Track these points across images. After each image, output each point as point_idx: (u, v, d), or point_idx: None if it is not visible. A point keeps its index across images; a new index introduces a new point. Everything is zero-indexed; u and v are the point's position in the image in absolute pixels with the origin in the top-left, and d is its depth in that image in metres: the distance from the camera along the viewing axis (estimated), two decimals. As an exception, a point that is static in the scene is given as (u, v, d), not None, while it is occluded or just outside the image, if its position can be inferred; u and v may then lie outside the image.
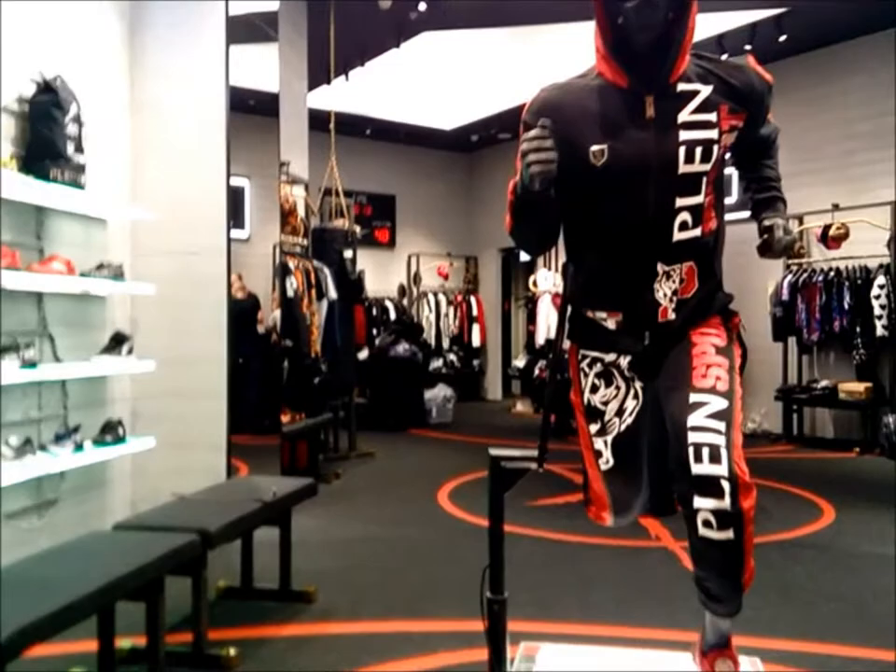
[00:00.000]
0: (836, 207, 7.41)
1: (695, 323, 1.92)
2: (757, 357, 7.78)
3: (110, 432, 3.69)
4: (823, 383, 7.47)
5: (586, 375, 2.04)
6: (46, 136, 3.41)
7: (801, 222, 7.68)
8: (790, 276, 7.65)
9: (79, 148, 3.52)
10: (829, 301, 7.33)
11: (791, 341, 7.73)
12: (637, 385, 1.98)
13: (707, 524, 1.68)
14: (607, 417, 2.01)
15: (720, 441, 1.67)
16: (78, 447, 3.47)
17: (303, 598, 3.24)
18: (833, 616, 3.15)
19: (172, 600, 2.45)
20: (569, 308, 2.05)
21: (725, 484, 1.65)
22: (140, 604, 2.34)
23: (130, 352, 3.83)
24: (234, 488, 3.45)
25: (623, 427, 1.99)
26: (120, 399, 4.08)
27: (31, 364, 3.20)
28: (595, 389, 2.02)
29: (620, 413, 1.99)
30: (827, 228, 7.45)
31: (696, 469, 1.66)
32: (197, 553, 2.53)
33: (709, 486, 1.65)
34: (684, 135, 1.81)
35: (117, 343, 3.79)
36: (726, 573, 1.75)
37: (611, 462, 2.01)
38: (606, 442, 2.01)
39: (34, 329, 3.48)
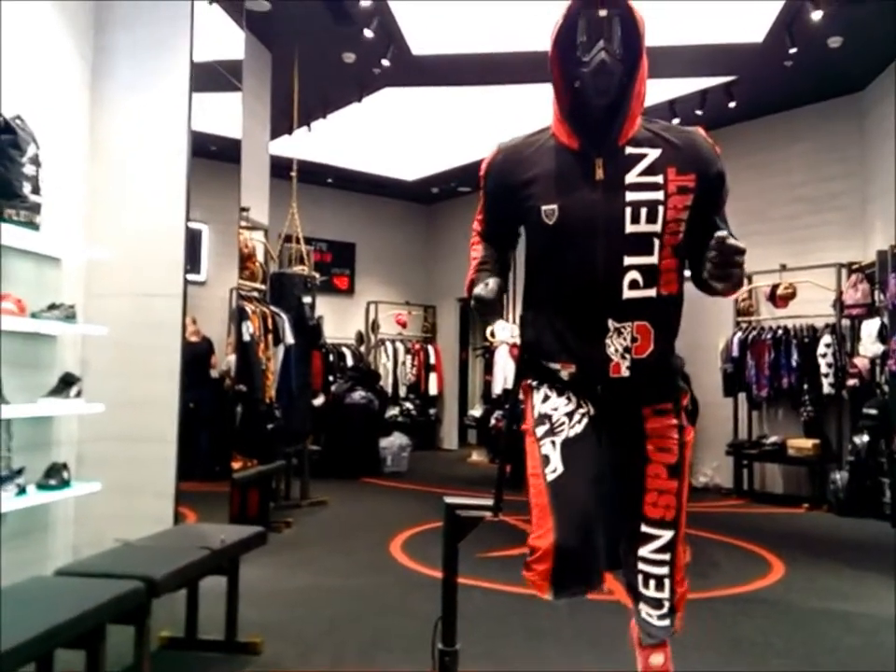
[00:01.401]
0: (784, 268, 7.65)
1: (650, 392, 1.97)
2: (709, 411, 7.91)
3: (55, 476, 3.59)
4: (773, 438, 7.60)
5: (538, 390, 2.03)
6: (2, 176, 3.37)
7: (750, 281, 7.90)
8: (739, 333, 7.84)
9: (36, 189, 3.49)
10: (777, 358, 7.50)
11: (742, 396, 7.88)
12: (590, 406, 1.97)
13: (648, 613, 2.03)
14: (556, 418, 1.97)
15: (664, 571, 1.99)
16: (21, 490, 3.37)
17: (249, 649, 3.15)
18: (783, 671, 3.17)
19: (113, 649, 2.37)
20: (526, 355, 2.08)
21: (666, 603, 2.01)
22: (80, 652, 2.26)
23: (78, 394, 3.75)
24: (181, 535, 3.37)
25: (572, 431, 1.95)
26: (66, 442, 3.98)
27: (-25, 404, 3.12)
28: (545, 399, 2.01)
29: (570, 416, 1.97)
30: (775, 287, 7.68)
31: (644, 591, 2.01)
32: (141, 602, 2.46)
33: (654, 602, 2.01)
34: (630, 196, 1.88)
35: (65, 384, 3.71)
36: (664, 630, 2.05)
37: (559, 470, 1.89)
38: (554, 444, 1.94)
39: (-20, 368, 3.40)
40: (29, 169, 3.45)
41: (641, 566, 1.99)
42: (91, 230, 4.22)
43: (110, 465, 3.98)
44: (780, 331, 7.57)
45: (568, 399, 1.99)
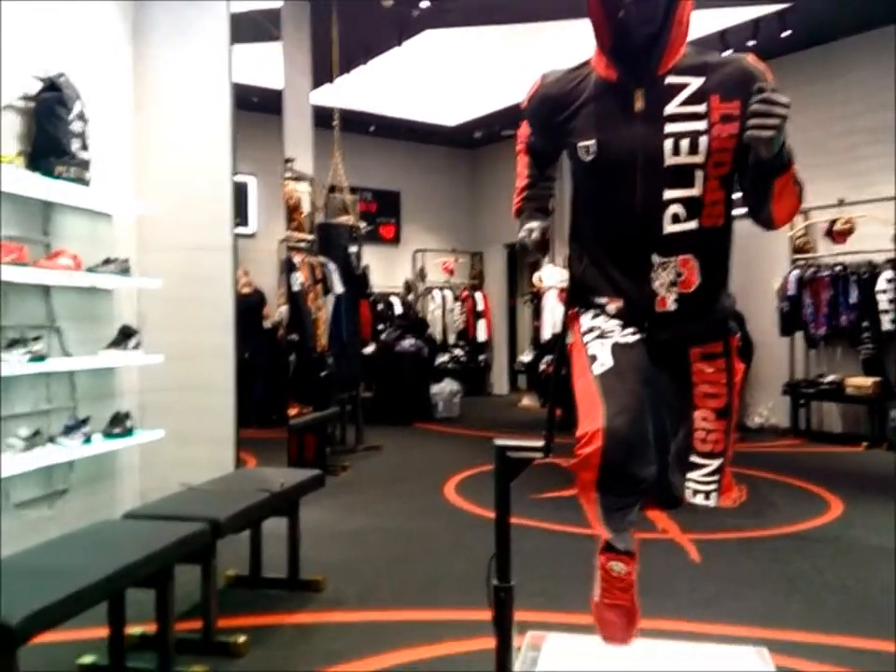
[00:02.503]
0: (841, 202, 7.39)
1: (698, 338, 1.93)
2: (764, 351, 7.77)
3: (119, 424, 3.72)
4: (830, 377, 7.45)
5: (586, 312, 1.99)
6: (51, 133, 3.43)
7: (806, 217, 7.67)
8: (796, 271, 7.64)
9: (84, 145, 3.55)
10: (835, 295, 7.31)
11: (798, 335, 7.72)
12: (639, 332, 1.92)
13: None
14: (605, 327, 1.92)
15: (713, 487, 2.03)
16: (87, 439, 3.50)
17: (311, 587, 3.26)
18: (839, 608, 3.16)
19: (181, 588, 2.47)
20: (573, 295, 2.07)
21: (713, 507, 2.05)
22: (150, 592, 2.36)
23: (137, 346, 3.85)
24: (243, 479, 3.48)
25: (622, 339, 1.89)
26: (129, 392, 4.11)
27: (39, 357, 3.23)
28: (595, 317, 1.96)
29: (622, 328, 1.91)
30: (833, 223, 7.44)
31: (692, 499, 2.03)
32: (206, 542, 2.55)
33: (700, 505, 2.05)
34: (670, 128, 1.81)
35: (124, 336, 3.81)
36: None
37: (608, 364, 1.83)
38: (603, 345, 1.88)
39: (42, 322, 3.51)
40: (76, 126, 3.50)
41: (691, 484, 2.04)
42: (139, 184, 4.29)
43: (172, 413, 4.11)
44: (838, 268, 7.35)
45: (619, 321, 1.95)
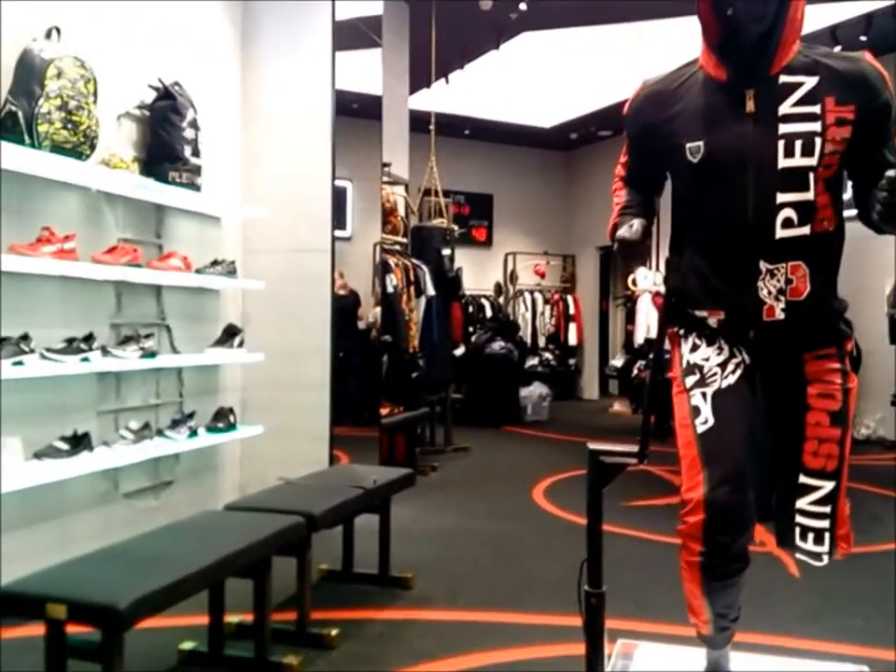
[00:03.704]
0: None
1: (809, 344, 1.86)
2: (872, 360, 7.41)
3: (222, 419, 3.88)
4: (944, 388, 7.06)
5: (686, 339, 1.96)
6: (165, 140, 3.61)
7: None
8: (908, 276, 7.26)
9: (196, 152, 3.71)
10: (951, 301, 6.92)
11: (910, 344, 7.34)
12: (744, 355, 1.90)
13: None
14: (707, 369, 1.90)
15: (825, 524, 1.86)
16: (193, 433, 3.67)
17: (401, 584, 3.32)
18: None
19: (277, 580, 2.55)
20: (671, 300, 2.03)
21: (825, 557, 1.90)
22: (247, 582, 2.45)
23: (241, 344, 4.01)
24: (337, 475, 3.57)
25: (724, 383, 1.88)
26: (231, 389, 4.28)
27: (150, 354, 3.41)
28: (695, 348, 1.94)
29: (722, 366, 1.90)
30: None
31: (801, 544, 1.89)
32: (302, 535, 2.63)
33: (810, 556, 1.91)
34: (784, 128, 1.76)
35: (229, 335, 3.97)
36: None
37: (710, 422, 1.85)
38: (705, 396, 1.88)
39: (153, 320, 3.70)
40: (189, 133, 3.68)
41: (800, 518, 1.88)
42: (246, 189, 4.46)
43: (271, 410, 4.26)
44: (955, 273, 6.96)
45: (720, 348, 1.91)
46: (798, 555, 1.91)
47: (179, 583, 2.05)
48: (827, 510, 1.86)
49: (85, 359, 3.05)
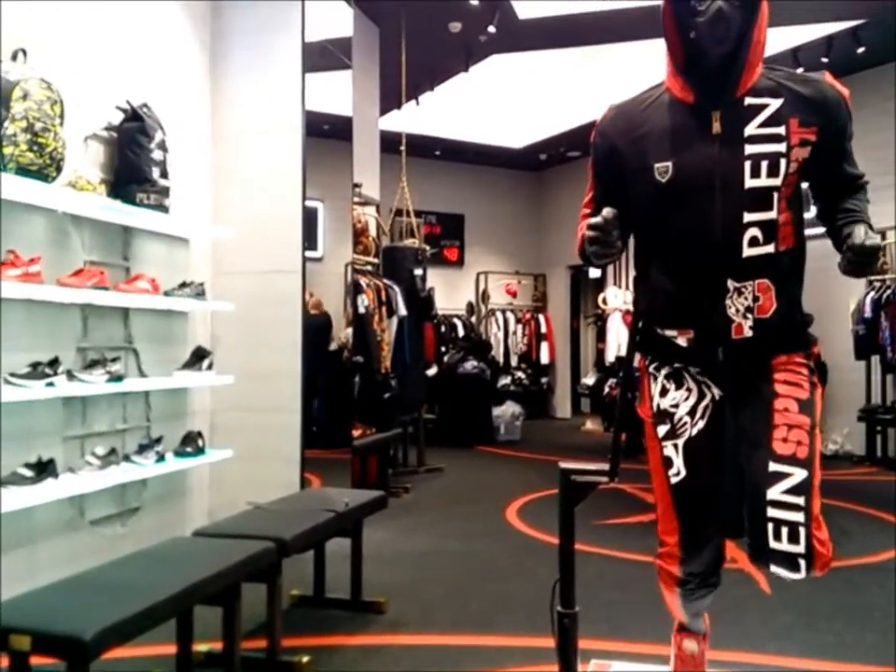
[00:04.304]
0: (920, 221, 7.14)
1: (776, 349, 1.88)
2: (839, 376, 7.53)
3: (191, 444, 3.83)
4: (908, 403, 7.18)
5: (655, 379, 2.01)
6: (132, 162, 3.58)
7: (884, 237, 7.43)
8: (872, 293, 7.40)
9: (164, 173, 3.69)
10: (913, 318, 7.05)
11: (875, 359, 7.46)
12: (713, 389, 1.94)
13: (780, 569, 1.77)
14: (676, 418, 1.96)
15: (799, 518, 1.73)
16: (161, 457, 3.61)
17: (374, 609, 3.28)
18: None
19: (247, 607, 2.51)
20: (640, 323, 2.05)
21: (802, 561, 1.73)
22: (216, 609, 2.41)
23: (210, 367, 3.96)
24: (308, 499, 3.53)
25: (694, 430, 1.94)
26: (200, 412, 4.23)
27: (117, 378, 3.36)
28: (664, 392, 1.98)
29: (691, 413, 1.94)
30: (911, 242, 7.19)
31: (774, 544, 1.75)
32: (272, 561, 2.60)
33: (786, 561, 1.75)
34: (750, 149, 1.80)
35: (198, 358, 3.93)
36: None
37: (682, 473, 1.94)
38: (676, 447, 1.95)
39: (120, 344, 3.65)
40: (157, 154, 3.65)
41: (772, 511, 1.75)
42: (215, 211, 4.43)
43: (241, 433, 4.21)
44: (917, 290, 7.10)
45: (688, 389, 1.95)
46: (774, 568, 1.76)
47: (147, 612, 2.01)
48: (800, 501, 1.74)
49: (50, 384, 2.99)
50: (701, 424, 1.94)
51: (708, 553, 1.96)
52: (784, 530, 1.73)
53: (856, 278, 1.84)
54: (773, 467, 1.78)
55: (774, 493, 1.76)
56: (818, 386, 1.90)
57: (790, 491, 1.75)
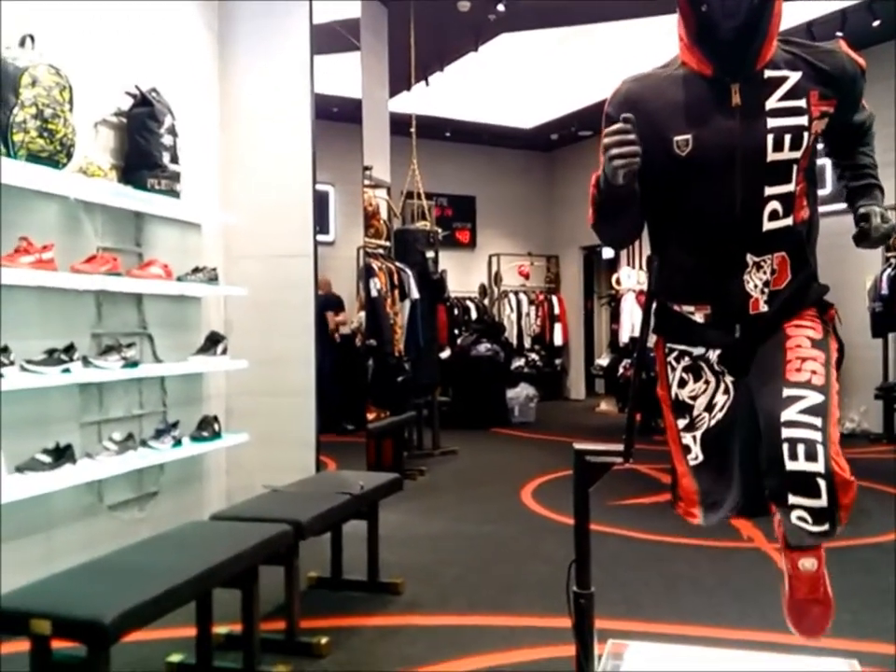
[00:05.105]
0: (938, 196, 7.04)
1: (789, 315, 1.86)
2: (855, 353, 7.45)
3: (207, 428, 3.85)
4: (926, 380, 7.12)
5: (673, 370, 2.00)
6: (143, 147, 3.58)
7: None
8: (889, 270, 7.32)
9: (174, 158, 3.68)
10: (931, 294, 6.98)
11: (892, 337, 7.41)
12: (728, 379, 1.93)
13: (802, 519, 1.62)
14: (696, 412, 1.96)
15: (816, 436, 1.60)
16: (177, 442, 3.63)
17: (391, 590, 3.30)
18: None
19: (265, 589, 2.53)
20: (655, 302, 2.03)
21: (822, 482, 1.58)
22: (235, 592, 2.43)
23: (224, 351, 3.98)
24: (324, 482, 3.55)
25: (712, 422, 1.93)
26: (216, 397, 4.25)
27: (133, 363, 3.37)
28: (682, 384, 1.98)
29: (710, 408, 1.94)
30: (929, 218, 7.10)
31: (791, 465, 1.60)
32: (289, 543, 2.61)
33: (805, 484, 1.59)
34: (772, 123, 1.78)
35: (212, 343, 3.94)
36: (820, 528, 1.64)
37: (700, 458, 1.94)
38: (695, 438, 1.95)
39: (135, 329, 3.66)
40: (167, 139, 3.64)
41: (786, 431, 1.62)
42: (226, 195, 4.43)
43: (256, 417, 4.23)
44: (935, 266, 7.01)
45: (707, 382, 1.94)
46: (793, 499, 1.59)
47: (165, 595, 2.03)
48: (817, 421, 1.62)
49: (66, 370, 3.01)
50: (720, 416, 1.92)
51: (728, 505, 1.91)
52: (800, 448, 1.59)
53: (869, 249, 1.88)
54: (787, 392, 1.68)
55: (788, 414, 1.64)
56: (833, 337, 1.86)
57: (805, 411, 1.64)
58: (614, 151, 1.70)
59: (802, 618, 1.77)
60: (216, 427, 3.90)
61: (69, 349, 3.06)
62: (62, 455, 3.01)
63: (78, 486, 3.20)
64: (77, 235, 3.35)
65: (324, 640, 2.72)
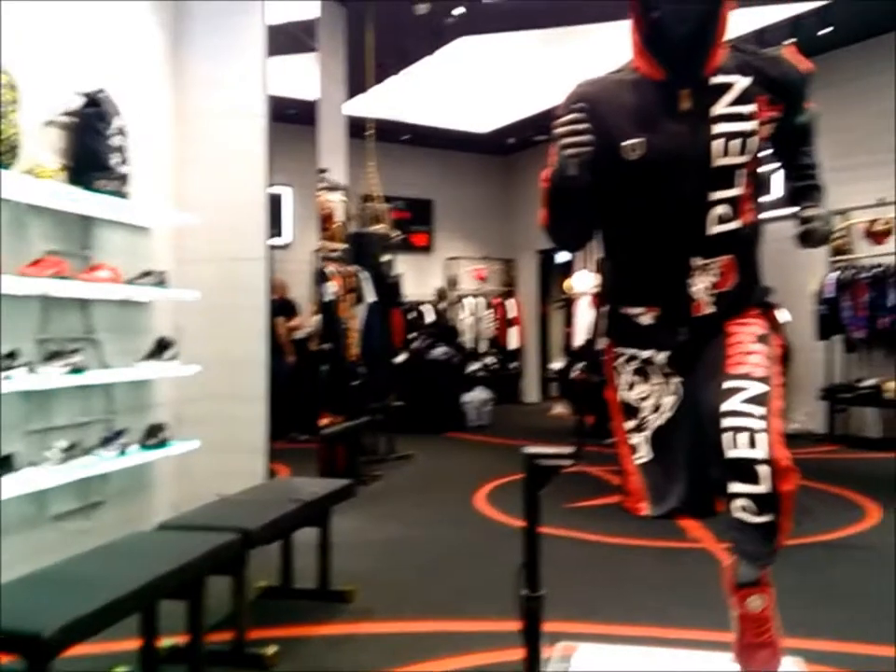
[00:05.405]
0: (881, 202, 7.26)
1: (733, 315, 1.91)
2: (801, 356, 7.65)
3: (155, 435, 3.78)
4: (868, 381, 7.31)
5: (621, 373, 2.04)
6: (91, 148, 3.51)
7: (846, 217, 7.54)
8: (834, 273, 7.51)
9: (124, 160, 3.62)
10: (876, 297, 7.17)
11: (836, 339, 7.59)
12: (675, 380, 1.97)
13: (743, 508, 1.65)
14: (643, 414, 2.00)
15: (756, 425, 1.63)
16: (123, 451, 3.56)
17: (342, 598, 3.28)
18: (876, 617, 3.09)
19: (213, 599, 2.49)
20: (605, 305, 2.06)
21: (762, 468, 1.61)
22: (181, 603, 2.39)
23: (174, 357, 3.92)
24: (274, 489, 3.51)
25: (659, 422, 1.97)
26: (165, 403, 4.18)
27: (78, 369, 3.30)
28: (631, 386, 2.01)
29: (657, 409, 1.98)
30: (872, 223, 7.31)
31: (731, 453, 1.63)
32: (238, 553, 2.58)
33: (745, 471, 1.62)
34: (719, 128, 1.82)
35: (161, 348, 3.88)
36: (762, 542, 1.69)
37: (648, 457, 1.99)
38: (644, 438, 2.00)
39: (81, 335, 3.58)
40: (116, 140, 3.58)
41: (726, 421, 1.64)
42: (177, 197, 4.36)
43: (207, 424, 4.16)
44: (878, 269, 7.21)
45: (654, 384, 1.98)
46: (734, 487, 1.60)
47: (109, 608, 1.99)
48: (758, 410, 1.63)
49: (9, 377, 2.94)
50: (667, 415, 1.96)
51: (675, 499, 1.95)
52: (741, 436, 1.61)
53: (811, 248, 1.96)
54: (728, 384, 1.71)
55: (730, 405, 1.66)
56: (776, 335, 1.89)
57: (746, 401, 1.66)
58: (567, 140, 1.74)
59: (750, 660, 1.79)
60: (164, 434, 3.84)
61: (12, 355, 2.98)
62: (4, 464, 2.93)
63: (22, 496, 3.11)
64: (23, 238, 3.27)
65: (272, 650, 2.69)
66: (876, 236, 7.30)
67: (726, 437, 1.64)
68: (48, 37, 3.45)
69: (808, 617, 3.05)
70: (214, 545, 2.46)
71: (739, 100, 1.82)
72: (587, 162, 1.77)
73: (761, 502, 1.62)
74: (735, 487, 1.63)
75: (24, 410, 3.25)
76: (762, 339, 1.84)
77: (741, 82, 1.83)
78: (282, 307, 7.39)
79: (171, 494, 4.23)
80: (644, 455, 1.99)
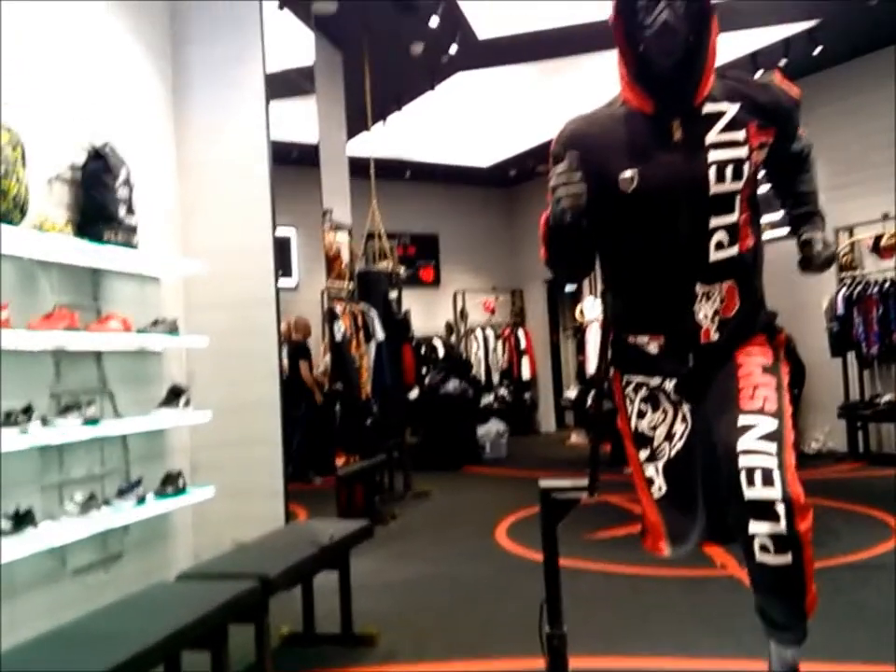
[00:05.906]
0: (886, 217, 7.25)
1: (739, 342, 1.91)
2: (816, 374, 7.59)
3: (171, 484, 3.77)
4: (887, 397, 7.24)
5: (632, 402, 2.03)
6: (98, 201, 3.55)
7: (851, 234, 7.53)
8: (844, 290, 7.49)
9: (130, 210, 3.66)
10: (886, 312, 7.14)
11: (851, 355, 7.54)
12: (685, 407, 1.96)
13: (763, 548, 1.66)
14: (656, 443, 1.99)
15: (771, 463, 1.66)
16: (141, 500, 3.55)
17: (366, 641, 3.24)
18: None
19: (236, 648, 2.48)
20: (611, 334, 2.06)
21: (780, 507, 1.63)
22: (205, 653, 2.37)
23: (187, 404, 3.92)
24: (292, 533, 3.49)
25: (673, 452, 1.97)
26: (180, 451, 4.17)
27: (93, 421, 3.31)
28: (641, 415, 2.01)
29: (669, 437, 1.97)
30: (878, 238, 7.29)
31: (749, 493, 1.66)
32: (258, 600, 2.56)
33: (764, 510, 1.64)
34: (713, 156, 1.83)
35: (174, 395, 3.88)
36: (788, 599, 1.73)
37: (664, 489, 1.98)
38: (657, 469, 1.99)
39: (94, 386, 3.60)
40: (122, 192, 3.62)
41: (742, 460, 1.67)
42: (185, 245, 4.40)
43: (222, 470, 4.15)
44: (887, 284, 7.19)
45: (664, 412, 1.98)
46: (754, 528, 1.63)
47: (131, 662, 1.98)
48: (772, 447, 1.67)
49: (24, 432, 2.94)
50: (679, 445, 1.96)
51: (690, 546, 1.99)
52: (757, 475, 1.64)
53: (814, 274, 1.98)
54: (742, 420, 1.74)
55: (744, 443, 1.69)
56: (784, 362, 1.92)
57: (761, 438, 1.69)
58: (561, 192, 1.77)
59: None
60: (180, 482, 3.82)
61: (27, 410, 2.99)
62: (23, 519, 2.93)
63: (41, 551, 3.11)
64: (33, 293, 3.30)
65: (299, 698, 2.66)
66: (883, 251, 7.28)
67: (743, 476, 1.67)
68: (49, 93, 3.50)
69: (837, 640, 2.99)
70: (234, 593, 2.44)
71: (730, 126, 1.85)
72: (583, 206, 1.79)
73: (780, 542, 1.64)
74: (754, 528, 1.66)
75: (40, 464, 3.25)
76: (770, 370, 1.85)
77: (731, 109, 1.85)
78: (304, 350, 7.42)
79: (189, 542, 4.21)
80: (660, 487, 1.98)
